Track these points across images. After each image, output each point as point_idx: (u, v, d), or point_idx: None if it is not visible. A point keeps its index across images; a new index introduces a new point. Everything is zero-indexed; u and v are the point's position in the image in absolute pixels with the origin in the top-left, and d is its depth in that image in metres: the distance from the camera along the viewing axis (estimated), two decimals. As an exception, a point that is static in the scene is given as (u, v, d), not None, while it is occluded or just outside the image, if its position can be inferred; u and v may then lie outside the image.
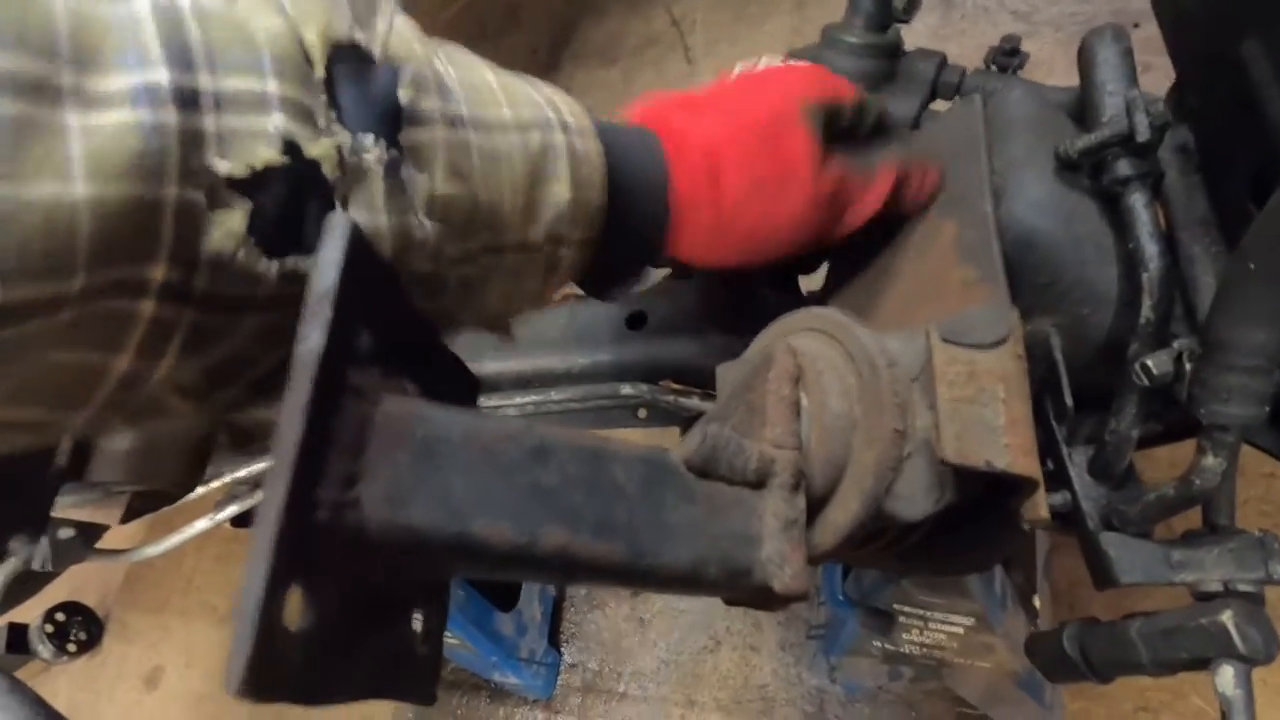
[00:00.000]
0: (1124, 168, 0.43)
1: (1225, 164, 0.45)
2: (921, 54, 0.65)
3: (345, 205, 0.28)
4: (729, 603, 0.36)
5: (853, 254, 0.57)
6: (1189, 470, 0.37)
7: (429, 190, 0.30)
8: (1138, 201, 0.43)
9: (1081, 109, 0.49)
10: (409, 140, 0.29)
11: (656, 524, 0.31)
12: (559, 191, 0.36)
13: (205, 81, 0.24)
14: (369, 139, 0.28)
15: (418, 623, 0.32)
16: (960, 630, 0.90)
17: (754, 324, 0.45)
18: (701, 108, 0.44)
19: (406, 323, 0.31)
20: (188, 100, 0.23)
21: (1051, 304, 0.47)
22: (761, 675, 1.18)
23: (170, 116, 0.23)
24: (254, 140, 0.25)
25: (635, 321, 0.78)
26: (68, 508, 0.69)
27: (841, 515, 0.35)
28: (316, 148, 0.26)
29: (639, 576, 0.31)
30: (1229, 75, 0.42)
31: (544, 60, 2.22)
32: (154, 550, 0.76)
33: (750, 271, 0.69)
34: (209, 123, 0.24)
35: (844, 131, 0.46)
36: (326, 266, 0.24)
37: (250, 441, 0.80)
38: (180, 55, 0.23)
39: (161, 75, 0.23)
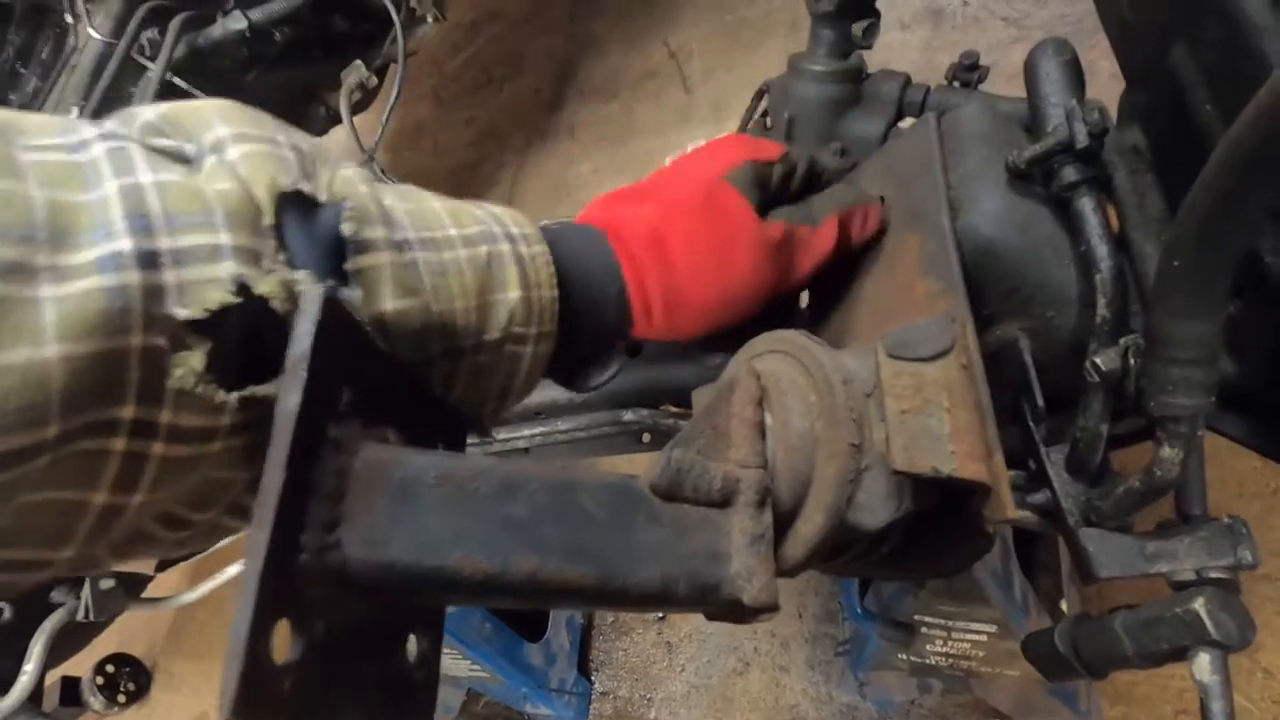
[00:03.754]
0: (1070, 174, 0.44)
1: (1173, 163, 0.46)
2: (885, 75, 0.67)
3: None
4: (709, 617, 0.38)
5: (830, 273, 0.59)
6: (1150, 462, 0.38)
7: (376, 307, 0.34)
8: (1086, 205, 0.44)
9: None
10: (356, 266, 0.33)
11: (625, 546, 0.33)
12: (510, 294, 0.40)
13: (164, 243, 0.27)
14: (309, 273, 0.31)
15: (413, 650, 0.34)
16: (983, 638, 0.89)
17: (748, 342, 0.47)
18: (637, 197, 0.48)
19: (387, 377, 0.34)
20: (148, 261, 0.27)
21: (1017, 309, 0.49)
22: (792, 695, 1.17)
23: (132, 277, 0.26)
24: (209, 286, 0.28)
25: (633, 349, 0.80)
26: (106, 562, 0.73)
27: (808, 528, 0.37)
28: (264, 285, 0.30)
29: (611, 597, 0.33)
30: (1166, 78, 0.43)
31: (548, 100, 2.29)
32: (191, 596, 0.80)
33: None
34: (168, 277, 0.27)
35: (778, 189, 0.49)
36: (301, 334, 0.27)
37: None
38: (141, 224, 0.27)
39: (125, 244, 0.26)
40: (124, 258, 0.26)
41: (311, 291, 0.29)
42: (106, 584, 0.78)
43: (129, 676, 1.60)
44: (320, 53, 1.29)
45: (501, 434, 0.82)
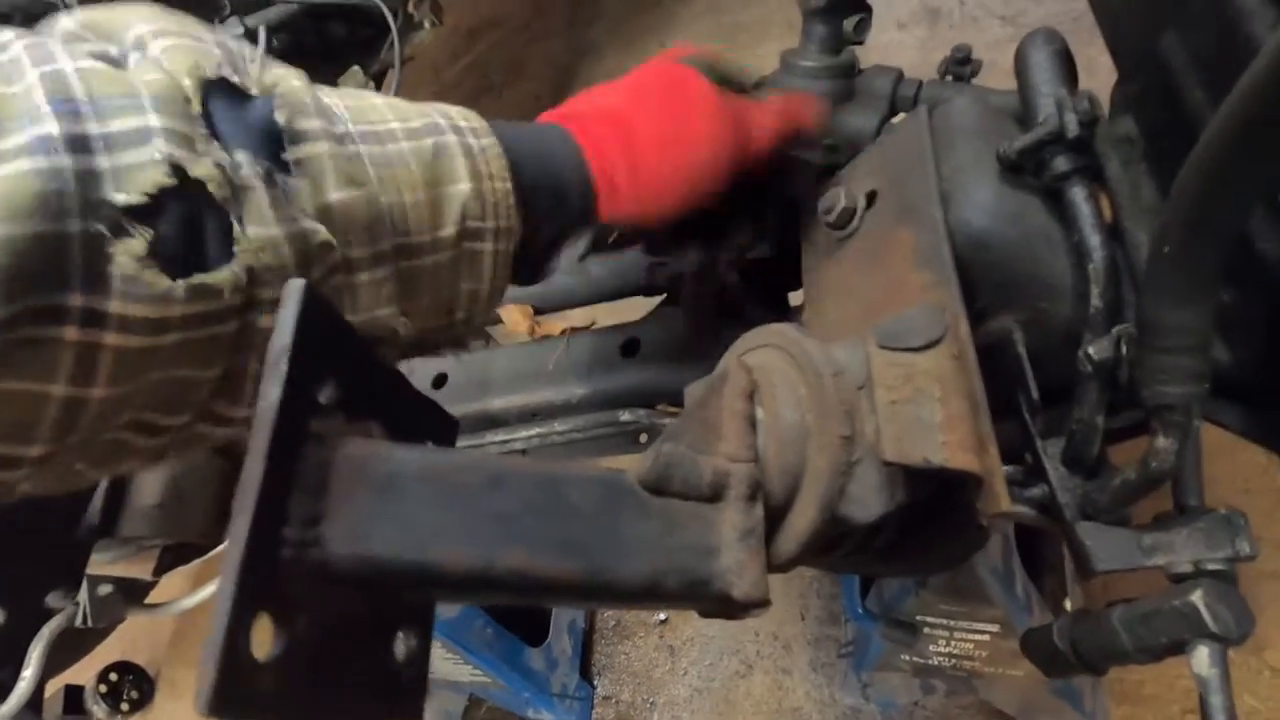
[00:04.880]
0: (1062, 164, 0.44)
1: (1165, 152, 0.46)
2: (877, 71, 0.67)
3: (239, 221, 0.31)
4: (701, 614, 0.37)
5: (826, 267, 0.59)
6: (1145, 453, 0.37)
7: (320, 199, 0.33)
8: (1078, 195, 0.44)
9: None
10: (294, 155, 0.33)
11: (613, 541, 0.33)
12: (460, 186, 0.39)
13: (93, 127, 0.27)
14: (245, 155, 0.31)
15: (401, 648, 0.34)
16: (986, 637, 0.88)
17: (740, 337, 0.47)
18: (596, 91, 0.50)
19: (371, 372, 0.34)
20: (78, 145, 0.27)
21: (1011, 301, 0.48)
22: (795, 698, 1.16)
23: (64, 160, 0.26)
24: (143, 169, 0.28)
25: (629, 349, 0.80)
26: (102, 565, 0.73)
27: (801, 522, 0.37)
28: (199, 168, 0.29)
29: (599, 591, 0.33)
30: (1156, 67, 0.43)
31: (547, 104, 2.29)
32: (189, 602, 0.80)
33: (739, 294, 0.72)
34: (102, 162, 0.27)
35: (731, 85, 0.52)
36: (282, 327, 0.27)
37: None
38: (68, 109, 0.27)
39: (51, 127, 0.26)
40: (53, 141, 0.26)
41: (293, 284, 0.28)
42: (104, 590, 0.77)
43: (132, 685, 1.60)
44: (317, 59, 1.30)
45: (498, 436, 0.82)
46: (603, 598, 0.33)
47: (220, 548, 0.84)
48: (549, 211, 0.44)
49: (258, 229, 0.31)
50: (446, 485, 0.30)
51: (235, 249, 0.30)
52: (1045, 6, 1.74)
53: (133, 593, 0.85)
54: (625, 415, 0.77)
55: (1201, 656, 0.35)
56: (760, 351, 0.42)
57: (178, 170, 0.29)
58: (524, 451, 0.82)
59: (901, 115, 0.67)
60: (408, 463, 0.30)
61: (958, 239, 0.47)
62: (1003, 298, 0.48)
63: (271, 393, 0.26)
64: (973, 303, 0.47)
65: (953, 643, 0.91)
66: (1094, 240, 0.42)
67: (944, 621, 0.89)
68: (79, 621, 0.75)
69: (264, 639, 0.25)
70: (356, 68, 1.36)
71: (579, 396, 0.81)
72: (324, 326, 0.29)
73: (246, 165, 0.31)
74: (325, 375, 0.30)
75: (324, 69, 1.35)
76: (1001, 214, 0.47)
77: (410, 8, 1.37)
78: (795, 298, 0.76)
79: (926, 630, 0.90)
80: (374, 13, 1.23)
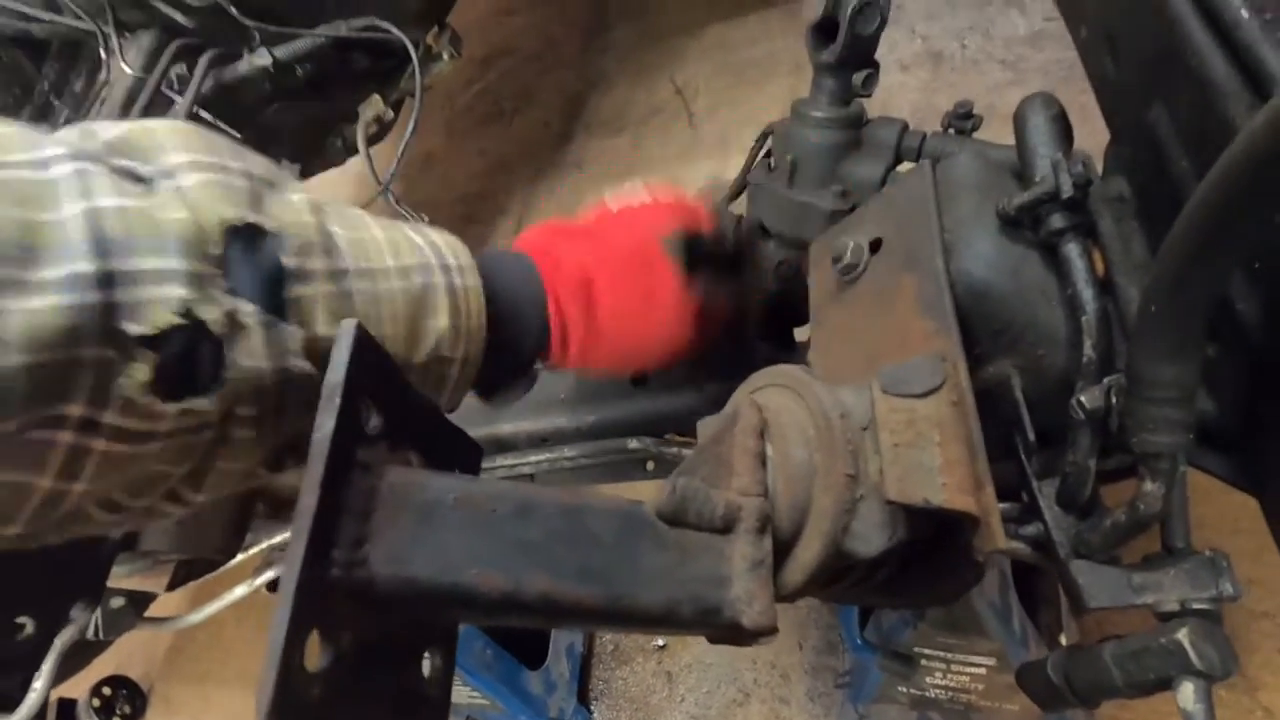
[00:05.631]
0: (1057, 221, 0.47)
1: (1156, 212, 0.49)
2: (883, 122, 0.70)
3: (233, 353, 0.34)
4: (711, 640, 0.39)
5: (832, 309, 0.61)
6: (1134, 497, 0.40)
7: (308, 335, 0.37)
8: (1073, 251, 0.46)
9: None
10: (293, 295, 0.36)
11: (632, 569, 0.35)
12: (439, 322, 0.43)
13: (120, 264, 0.30)
14: (250, 305, 0.34)
15: (428, 667, 0.36)
16: (983, 671, 0.89)
17: (750, 376, 0.50)
18: (575, 236, 0.53)
19: (410, 405, 0.36)
20: (105, 281, 0.30)
21: (1008, 348, 0.51)
22: (792, 727, 1.16)
23: (91, 296, 0.29)
24: (158, 306, 0.31)
25: (639, 379, 0.83)
26: (119, 578, 0.75)
27: (807, 555, 0.39)
28: (207, 311, 0.32)
29: (618, 617, 0.35)
30: (1146, 134, 0.46)
31: (557, 132, 2.35)
32: (197, 616, 0.81)
33: (746, 326, 0.74)
34: (122, 295, 0.30)
35: (703, 257, 0.55)
36: (336, 365, 0.30)
37: (287, 509, 0.85)
38: (100, 246, 0.30)
39: (84, 265, 0.29)
40: (85, 278, 0.29)
41: (346, 324, 0.31)
42: (117, 603, 0.79)
43: (125, 699, 1.59)
44: (340, 87, 1.34)
45: (509, 460, 0.84)
46: (622, 623, 0.35)
47: (231, 563, 0.86)
48: (508, 346, 0.49)
49: (248, 362, 0.34)
50: (479, 513, 0.33)
51: (225, 375, 0.33)
52: (1045, 53, 1.80)
53: (139, 605, 0.86)
54: (633, 443, 0.79)
55: (1187, 692, 0.37)
56: (770, 391, 0.45)
57: (188, 311, 0.32)
58: (532, 476, 0.84)
59: (906, 165, 0.70)
60: (444, 490, 0.32)
61: (959, 288, 0.49)
62: (1001, 344, 0.51)
63: (326, 424, 0.29)
64: (972, 348, 0.49)
65: (950, 675, 0.92)
66: (1087, 294, 0.45)
67: (941, 654, 0.90)
68: (90, 633, 0.76)
69: (314, 653, 0.27)
70: (377, 96, 1.40)
71: (589, 424, 0.83)
72: (371, 363, 0.32)
73: (250, 314, 0.34)
74: (371, 408, 0.32)
75: (345, 97, 1.39)
76: (1000, 266, 0.49)
77: (430, 40, 1.42)
78: (800, 333, 0.79)
79: (924, 662, 0.91)
80: (396, 44, 1.27)
